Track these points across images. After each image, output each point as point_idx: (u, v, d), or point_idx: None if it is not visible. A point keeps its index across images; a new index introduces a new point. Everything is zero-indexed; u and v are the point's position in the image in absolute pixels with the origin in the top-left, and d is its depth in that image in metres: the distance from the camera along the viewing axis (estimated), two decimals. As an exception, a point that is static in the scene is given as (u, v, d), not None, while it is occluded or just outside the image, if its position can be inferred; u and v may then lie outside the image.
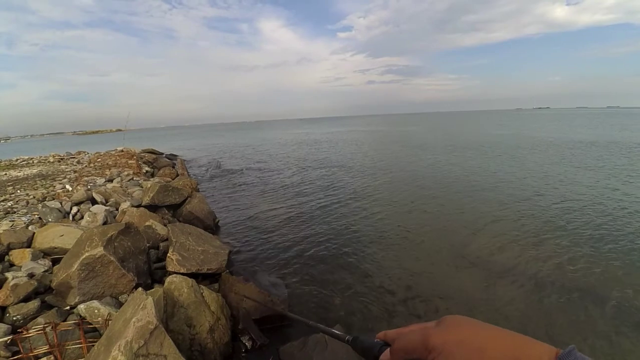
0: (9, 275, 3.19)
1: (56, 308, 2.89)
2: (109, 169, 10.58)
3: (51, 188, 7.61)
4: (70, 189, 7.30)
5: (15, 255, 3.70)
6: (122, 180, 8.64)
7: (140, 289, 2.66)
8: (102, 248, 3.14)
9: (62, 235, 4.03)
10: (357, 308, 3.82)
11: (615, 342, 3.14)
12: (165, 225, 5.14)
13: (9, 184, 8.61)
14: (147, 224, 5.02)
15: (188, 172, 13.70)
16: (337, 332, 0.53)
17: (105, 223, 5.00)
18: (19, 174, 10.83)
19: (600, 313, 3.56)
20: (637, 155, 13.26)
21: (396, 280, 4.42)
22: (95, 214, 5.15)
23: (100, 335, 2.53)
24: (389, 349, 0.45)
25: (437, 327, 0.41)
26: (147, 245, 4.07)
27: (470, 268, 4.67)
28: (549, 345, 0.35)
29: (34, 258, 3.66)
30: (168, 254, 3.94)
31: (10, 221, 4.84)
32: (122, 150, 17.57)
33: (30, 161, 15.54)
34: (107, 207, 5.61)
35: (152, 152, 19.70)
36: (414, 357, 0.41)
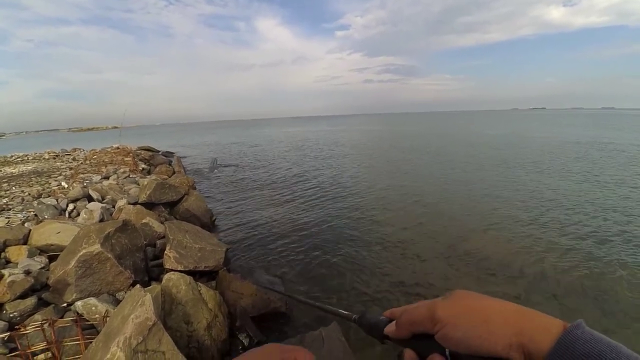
0: (5, 272, 3.17)
1: (53, 305, 2.89)
2: (105, 166, 10.52)
3: (47, 185, 7.56)
4: (66, 186, 7.25)
5: (12, 252, 3.68)
6: (118, 177, 8.60)
7: (138, 285, 2.66)
8: (99, 245, 3.14)
9: (58, 232, 4.01)
10: (355, 307, 3.85)
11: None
12: (162, 223, 5.13)
13: (3, 180, 8.53)
14: (143, 221, 5.01)
15: (185, 170, 13.65)
16: (342, 311, 0.53)
17: (101, 220, 4.98)
18: (13, 170, 10.73)
19: (597, 309, 3.62)
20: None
21: (395, 279, 4.46)
22: (91, 211, 5.12)
23: (98, 332, 2.53)
24: (395, 321, 0.45)
25: (444, 301, 0.42)
26: (144, 242, 4.06)
27: (465, 265, 4.72)
28: (557, 318, 0.35)
29: (31, 255, 3.64)
30: (165, 252, 3.94)
31: (6, 218, 4.81)
32: (118, 148, 17.44)
33: (25, 158, 15.39)
34: (104, 205, 5.59)
35: (149, 149, 19.59)
36: (420, 330, 0.42)
